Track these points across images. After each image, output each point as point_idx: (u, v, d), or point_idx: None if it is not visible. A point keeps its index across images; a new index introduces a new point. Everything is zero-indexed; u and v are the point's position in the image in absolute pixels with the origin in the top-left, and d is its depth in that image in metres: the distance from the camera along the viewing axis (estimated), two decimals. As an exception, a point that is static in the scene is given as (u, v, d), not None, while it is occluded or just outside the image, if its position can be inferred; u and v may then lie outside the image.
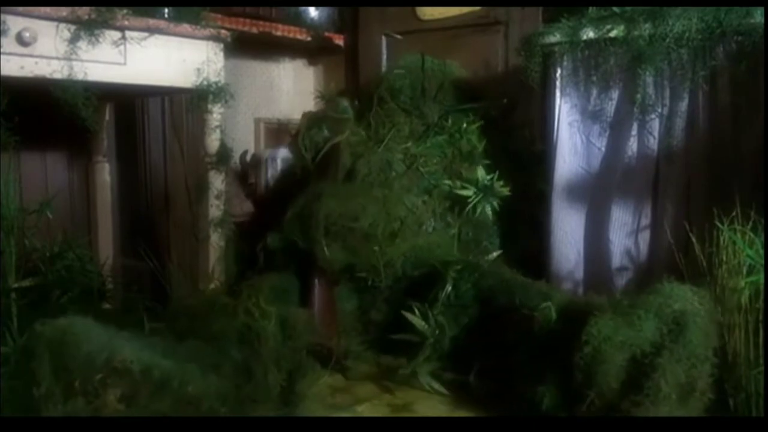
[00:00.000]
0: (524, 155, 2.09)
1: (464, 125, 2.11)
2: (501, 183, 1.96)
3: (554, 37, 1.81)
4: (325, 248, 1.72)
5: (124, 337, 1.21)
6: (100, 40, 1.65)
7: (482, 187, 1.96)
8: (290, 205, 1.86)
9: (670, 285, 1.24)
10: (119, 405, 1.09)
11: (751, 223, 1.31)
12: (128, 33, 1.71)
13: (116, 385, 1.10)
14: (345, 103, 2.19)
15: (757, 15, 1.55)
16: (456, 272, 1.69)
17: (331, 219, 1.71)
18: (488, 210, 1.96)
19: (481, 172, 1.98)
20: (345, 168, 1.95)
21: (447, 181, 2.00)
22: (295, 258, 1.85)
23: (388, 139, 2.02)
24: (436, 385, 1.59)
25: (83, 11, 1.61)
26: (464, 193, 1.96)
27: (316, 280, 1.82)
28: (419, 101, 2.16)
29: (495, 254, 1.93)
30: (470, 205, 1.95)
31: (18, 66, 1.54)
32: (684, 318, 1.17)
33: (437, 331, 1.62)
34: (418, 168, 1.99)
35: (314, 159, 2.05)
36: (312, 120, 2.19)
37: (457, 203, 1.98)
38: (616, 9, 1.74)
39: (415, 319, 1.64)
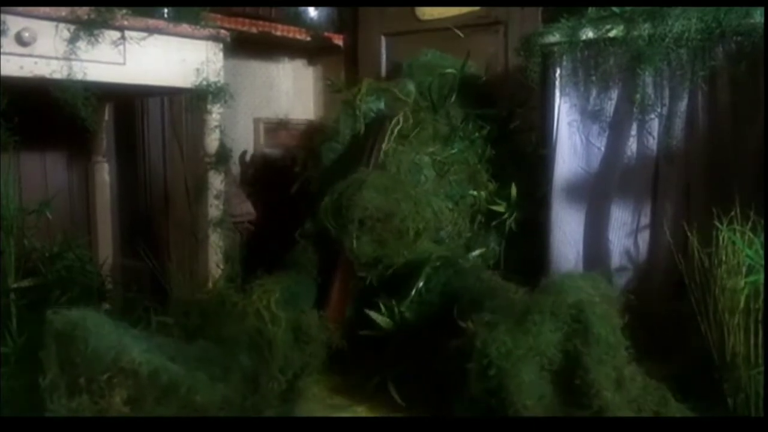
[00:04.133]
0: (529, 159, 2.08)
1: (484, 131, 2.08)
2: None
3: (554, 37, 1.81)
4: (354, 240, 1.65)
5: (134, 336, 1.19)
6: (100, 40, 1.64)
7: (514, 203, 1.95)
8: (325, 192, 1.80)
9: (560, 277, 1.20)
10: (124, 407, 1.08)
11: (750, 224, 1.31)
12: (128, 33, 1.71)
13: (123, 385, 1.08)
14: (411, 86, 2.16)
15: (757, 15, 1.55)
16: (432, 268, 1.64)
17: (367, 212, 1.66)
18: (513, 225, 1.96)
19: (513, 189, 1.95)
20: (383, 152, 1.91)
21: (473, 192, 1.98)
22: (321, 247, 1.82)
23: (413, 137, 1.98)
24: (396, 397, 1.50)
25: (83, 11, 1.61)
26: (498, 209, 1.95)
27: (338, 271, 1.78)
28: (445, 101, 2.11)
29: (477, 252, 1.89)
30: (500, 220, 1.94)
31: (17, 66, 1.54)
32: (582, 313, 1.11)
33: (401, 328, 1.56)
34: (447, 177, 1.96)
35: (364, 128, 2.04)
36: (373, 87, 2.18)
37: (480, 213, 1.97)
38: (615, 9, 1.74)
39: (380, 318, 1.59)
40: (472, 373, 1.14)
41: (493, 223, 1.98)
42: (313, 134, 2.62)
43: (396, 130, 1.96)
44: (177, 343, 1.30)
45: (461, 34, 2.39)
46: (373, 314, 1.60)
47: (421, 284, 1.60)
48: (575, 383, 1.11)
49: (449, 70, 2.19)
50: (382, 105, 2.15)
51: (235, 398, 1.24)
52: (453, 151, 2.02)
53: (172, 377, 1.13)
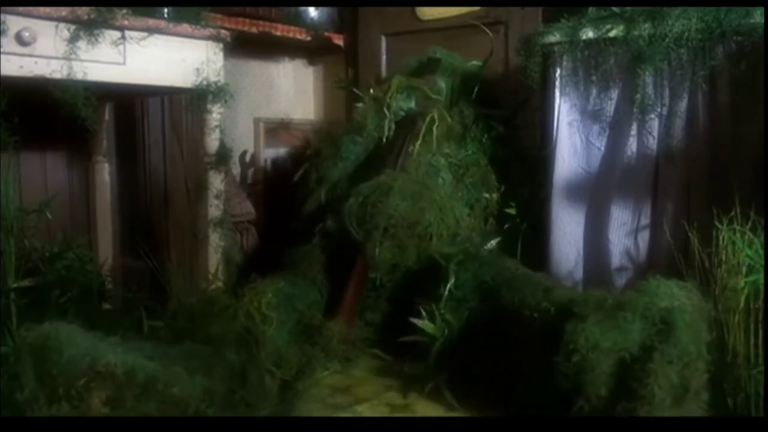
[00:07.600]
0: (531, 158, 2.07)
1: (493, 131, 2.06)
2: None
3: (554, 37, 1.81)
4: (378, 248, 1.64)
5: (110, 341, 1.19)
6: (100, 40, 1.65)
7: (527, 206, 1.95)
8: (351, 189, 1.78)
9: (656, 281, 1.18)
10: (104, 408, 1.08)
11: (750, 223, 1.31)
12: (128, 33, 1.71)
13: (100, 388, 1.08)
14: (442, 84, 2.12)
15: (757, 15, 1.55)
16: (457, 264, 1.63)
17: (392, 219, 1.65)
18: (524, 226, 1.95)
19: (525, 190, 1.96)
20: (411, 154, 1.89)
21: (486, 195, 1.97)
22: (333, 247, 1.82)
23: (434, 138, 1.96)
24: (451, 400, 1.48)
25: (83, 11, 1.61)
26: (511, 212, 1.95)
27: (354, 275, 1.76)
28: (461, 98, 2.09)
29: (494, 242, 1.87)
30: (513, 223, 1.94)
31: (17, 66, 1.54)
32: (671, 316, 1.10)
33: (445, 330, 1.56)
34: (464, 180, 1.95)
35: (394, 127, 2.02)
36: (403, 85, 2.13)
37: (491, 216, 1.97)
38: (615, 9, 1.74)
39: (425, 324, 1.57)
40: (560, 359, 1.15)
41: (506, 226, 1.97)
42: (323, 132, 2.60)
43: (434, 128, 1.94)
44: (158, 345, 1.31)
45: (486, 29, 2.33)
46: (418, 322, 1.57)
47: (452, 281, 1.59)
48: (633, 368, 1.10)
49: (473, 62, 2.14)
50: (412, 104, 2.11)
51: (218, 391, 1.23)
52: (467, 153, 2.01)
53: (149, 374, 1.13)
